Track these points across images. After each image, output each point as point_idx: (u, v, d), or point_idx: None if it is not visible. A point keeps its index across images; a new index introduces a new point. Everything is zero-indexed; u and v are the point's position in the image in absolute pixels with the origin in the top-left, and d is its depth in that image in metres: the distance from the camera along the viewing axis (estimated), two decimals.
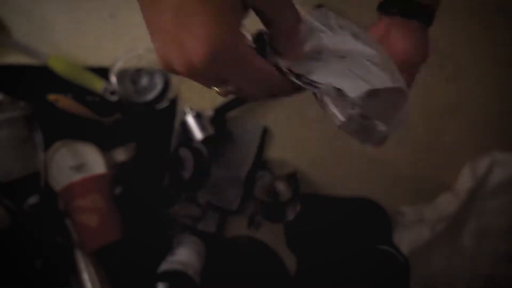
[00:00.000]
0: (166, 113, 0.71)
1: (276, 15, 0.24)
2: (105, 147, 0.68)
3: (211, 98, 0.73)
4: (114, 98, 0.69)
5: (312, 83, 0.28)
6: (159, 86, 0.66)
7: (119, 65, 0.65)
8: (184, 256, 0.64)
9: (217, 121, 0.70)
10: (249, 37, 0.27)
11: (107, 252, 0.63)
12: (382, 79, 0.28)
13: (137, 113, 0.70)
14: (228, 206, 0.72)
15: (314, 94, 0.29)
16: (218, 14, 0.22)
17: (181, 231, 0.67)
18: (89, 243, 0.62)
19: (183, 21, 0.22)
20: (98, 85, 0.69)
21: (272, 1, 0.23)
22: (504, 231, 0.73)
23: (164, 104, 0.70)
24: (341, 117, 0.29)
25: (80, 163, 0.66)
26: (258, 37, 0.27)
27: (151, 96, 0.66)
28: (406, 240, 0.72)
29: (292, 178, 0.67)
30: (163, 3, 0.22)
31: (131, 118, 0.69)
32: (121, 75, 0.66)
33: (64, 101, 0.63)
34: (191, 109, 0.70)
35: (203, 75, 0.24)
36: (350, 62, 0.29)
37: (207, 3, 0.21)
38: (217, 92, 0.27)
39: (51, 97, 0.62)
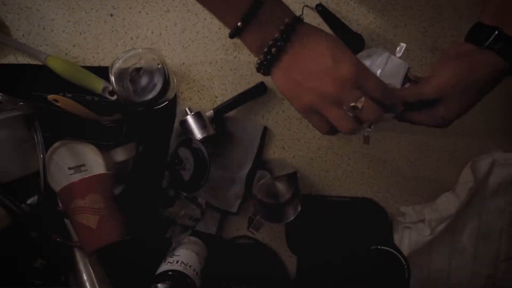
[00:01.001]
0: (165, 113, 0.71)
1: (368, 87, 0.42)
2: (104, 147, 0.67)
3: (211, 98, 0.73)
4: (113, 98, 0.69)
5: None
6: (158, 86, 0.65)
7: (118, 65, 0.65)
8: (184, 256, 0.64)
9: (217, 121, 0.70)
10: None
11: (107, 252, 0.63)
12: None
13: (136, 113, 0.69)
14: (228, 207, 0.72)
15: None
16: (352, 54, 0.41)
17: (181, 231, 0.67)
18: (89, 244, 0.62)
19: (336, 59, 0.39)
20: (97, 85, 0.69)
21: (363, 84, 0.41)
22: (504, 231, 0.73)
23: (163, 104, 0.70)
24: None
25: (79, 163, 0.66)
26: None
27: (150, 96, 0.65)
28: (406, 240, 0.72)
29: (292, 178, 0.67)
30: (324, 53, 0.40)
31: (130, 118, 0.69)
32: (120, 74, 0.65)
33: (63, 101, 0.63)
34: (191, 109, 0.70)
35: (349, 87, 0.39)
36: None
37: (346, 50, 0.40)
38: (352, 107, 0.40)
39: (51, 97, 0.62)
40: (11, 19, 0.72)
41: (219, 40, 0.72)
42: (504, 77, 0.46)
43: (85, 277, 0.63)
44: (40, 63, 0.71)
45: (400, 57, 0.51)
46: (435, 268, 0.74)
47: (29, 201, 0.65)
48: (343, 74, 0.39)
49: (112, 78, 0.64)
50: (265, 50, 0.40)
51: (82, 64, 0.72)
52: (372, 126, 0.50)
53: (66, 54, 0.72)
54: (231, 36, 0.41)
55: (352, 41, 0.70)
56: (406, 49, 0.53)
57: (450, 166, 0.74)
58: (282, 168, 0.70)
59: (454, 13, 0.72)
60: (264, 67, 0.42)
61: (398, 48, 0.52)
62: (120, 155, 0.69)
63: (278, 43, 0.40)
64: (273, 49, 0.40)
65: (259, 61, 0.42)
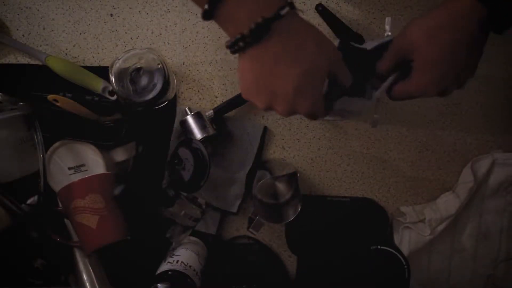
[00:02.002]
0: (165, 113, 0.71)
1: (340, 76, 0.45)
2: (104, 147, 0.67)
3: (211, 98, 0.73)
4: (113, 98, 0.69)
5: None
6: (158, 86, 0.65)
7: (118, 65, 0.65)
8: (184, 256, 0.64)
9: (217, 121, 0.70)
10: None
11: (107, 252, 0.63)
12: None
13: (136, 113, 0.69)
14: (228, 207, 0.72)
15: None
16: (315, 96, 0.42)
17: (181, 231, 0.67)
18: (89, 244, 0.62)
19: (299, 94, 0.41)
20: (97, 84, 0.69)
21: (337, 73, 0.43)
22: (504, 231, 0.73)
23: (163, 104, 0.70)
24: None
25: (79, 163, 0.66)
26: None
27: (150, 96, 0.65)
28: (406, 240, 0.72)
29: (292, 178, 0.67)
30: (290, 81, 0.40)
31: (130, 118, 0.69)
32: (120, 74, 0.65)
33: (63, 101, 0.63)
34: (191, 109, 0.70)
35: (293, 114, 0.43)
36: None
37: (313, 90, 0.41)
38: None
39: (51, 97, 0.62)
40: (11, 19, 0.72)
41: (219, 40, 0.72)
42: (488, 28, 0.42)
43: (85, 277, 0.63)
44: (40, 63, 0.71)
45: (390, 29, 0.49)
46: (435, 268, 0.74)
47: (29, 201, 0.65)
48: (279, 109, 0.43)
49: (112, 78, 0.64)
50: (232, 41, 0.39)
51: (82, 64, 0.72)
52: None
53: (66, 54, 0.72)
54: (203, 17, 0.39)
55: (352, 41, 0.70)
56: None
57: (450, 166, 0.74)
58: (282, 168, 0.70)
59: None
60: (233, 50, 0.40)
61: (386, 21, 0.50)
62: (120, 155, 0.69)
63: (246, 40, 0.38)
64: (240, 43, 0.38)
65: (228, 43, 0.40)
